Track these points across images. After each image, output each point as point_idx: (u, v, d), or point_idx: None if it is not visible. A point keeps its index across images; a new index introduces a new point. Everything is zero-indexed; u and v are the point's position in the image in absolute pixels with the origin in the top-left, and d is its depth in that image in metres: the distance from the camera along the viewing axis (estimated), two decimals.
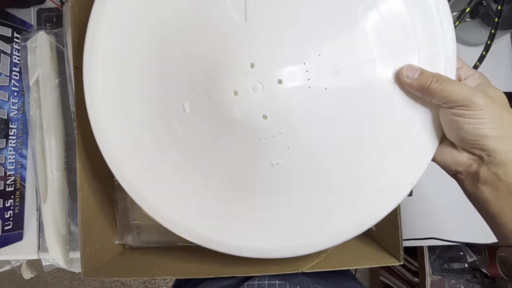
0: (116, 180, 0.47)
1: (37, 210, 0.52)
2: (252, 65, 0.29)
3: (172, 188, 0.34)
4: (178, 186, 0.34)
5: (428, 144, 0.30)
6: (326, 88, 0.29)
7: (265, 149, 0.31)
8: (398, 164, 0.31)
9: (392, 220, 0.37)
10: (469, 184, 0.30)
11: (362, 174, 0.31)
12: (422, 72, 0.29)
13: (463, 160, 0.30)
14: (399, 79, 0.30)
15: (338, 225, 0.33)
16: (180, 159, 0.33)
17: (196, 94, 0.31)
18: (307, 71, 0.29)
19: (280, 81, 0.29)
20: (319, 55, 0.29)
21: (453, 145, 0.31)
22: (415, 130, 0.30)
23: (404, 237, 0.37)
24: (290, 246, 0.33)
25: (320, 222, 0.33)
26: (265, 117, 0.29)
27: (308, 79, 0.29)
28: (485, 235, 0.51)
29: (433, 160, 0.32)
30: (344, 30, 0.29)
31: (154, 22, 0.32)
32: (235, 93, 0.29)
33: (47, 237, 0.48)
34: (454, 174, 0.32)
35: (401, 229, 0.36)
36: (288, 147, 0.31)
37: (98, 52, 0.33)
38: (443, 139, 0.31)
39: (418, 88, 0.29)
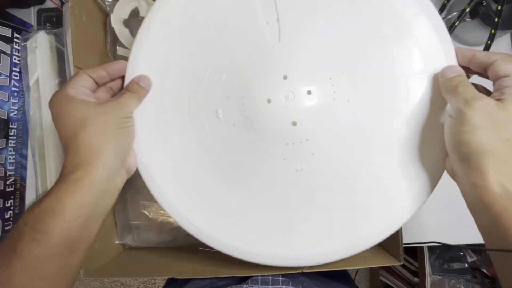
0: None
1: None
2: (285, 77, 0.32)
3: (198, 190, 0.35)
4: (204, 188, 0.35)
5: (443, 156, 0.32)
6: (348, 101, 0.33)
7: (291, 154, 0.33)
8: (416, 173, 0.33)
9: None
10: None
11: (382, 182, 0.33)
12: (457, 76, 0.30)
13: (449, 168, 0.31)
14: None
15: (359, 232, 0.34)
16: (208, 162, 0.35)
17: (230, 102, 0.34)
18: (332, 85, 0.33)
19: (309, 92, 0.32)
20: (343, 73, 0.33)
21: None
22: (433, 142, 0.32)
23: (405, 241, 0.37)
24: (311, 253, 0.34)
25: (342, 229, 0.34)
26: (294, 123, 0.32)
27: (334, 92, 0.33)
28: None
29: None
30: (365, 52, 0.33)
31: (197, 37, 0.34)
32: (269, 101, 0.32)
33: None
34: None
35: (401, 229, 0.36)
36: (313, 154, 0.33)
37: (140, 63, 0.34)
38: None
39: (443, 88, 0.30)
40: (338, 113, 0.33)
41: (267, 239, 0.34)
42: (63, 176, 0.28)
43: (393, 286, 1.03)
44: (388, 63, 0.33)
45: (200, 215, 0.35)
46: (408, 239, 0.52)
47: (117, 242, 0.47)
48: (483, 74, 0.30)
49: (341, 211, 0.34)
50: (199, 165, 0.35)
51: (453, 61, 0.31)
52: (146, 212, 0.47)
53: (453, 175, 0.31)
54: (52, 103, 0.30)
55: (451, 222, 0.53)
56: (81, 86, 0.31)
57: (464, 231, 0.52)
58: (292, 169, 0.34)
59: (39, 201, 0.27)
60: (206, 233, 0.35)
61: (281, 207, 0.34)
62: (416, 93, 0.32)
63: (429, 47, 0.32)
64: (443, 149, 0.31)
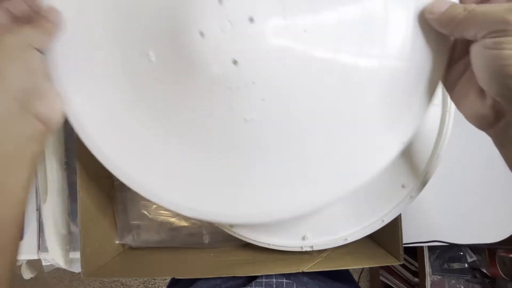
0: (116, 180, 0.47)
1: (37, 210, 0.52)
2: (220, 1, 0.25)
3: (137, 147, 0.30)
4: (143, 145, 0.30)
5: (418, 99, 0.27)
6: (305, 31, 0.25)
7: (237, 101, 0.27)
8: (386, 120, 0.27)
9: (392, 220, 0.37)
10: (498, 144, 0.24)
11: (347, 131, 0.28)
12: (453, 5, 0.24)
13: (486, 113, 0.24)
14: (425, 16, 0.25)
15: (320, 187, 0.29)
16: (146, 115, 0.30)
17: (162, 40, 0.27)
18: (283, 9, 0.25)
19: (251, 19, 0.25)
20: None
21: (480, 94, 0.24)
22: (405, 81, 0.26)
23: (405, 241, 0.37)
24: (265, 211, 0.30)
25: (301, 185, 0.29)
26: (235, 62, 0.26)
27: (284, 19, 0.25)
28: (485, 236, 0.51)
29: (464, 116, 0.26)
30: None
31: None
32: (201, 34, 0.25)
33: (47, 237, 0.48)
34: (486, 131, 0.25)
35: (401, 229, 0.36)
36: (263, 100, 0.27)
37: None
38: (469, 89, 0.25)
39: (446, 22, 0.24)
40: (291, 46, 0.25)
41: (220, 196, 0.30)
42: None
43: (393, 286, 1.03)
44: None
45: (136, 165, 0.30)
46: (408, 239, 0.53)
47: (117, 242, 0.47)
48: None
49: (303, 163, 0.29)
50: (137, 118, 0.30)
51: None
52: (146, 212, 0.47)
53: (488, 126, 0.24)
54: None
55: (451, 222, 0.53)
56: None
57: (464, 231, 0.52)
58: (241, 120, 0.28)
59: None
60: (139, 183, 0.30)
61: (234, 163, 0.29)
62: (399, 17, 0.26)
63: None
64: (432, 83, 0.26)
